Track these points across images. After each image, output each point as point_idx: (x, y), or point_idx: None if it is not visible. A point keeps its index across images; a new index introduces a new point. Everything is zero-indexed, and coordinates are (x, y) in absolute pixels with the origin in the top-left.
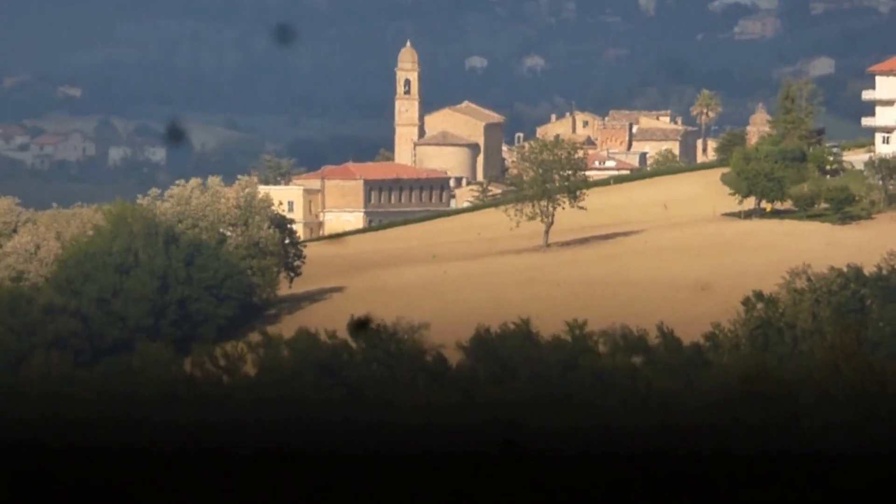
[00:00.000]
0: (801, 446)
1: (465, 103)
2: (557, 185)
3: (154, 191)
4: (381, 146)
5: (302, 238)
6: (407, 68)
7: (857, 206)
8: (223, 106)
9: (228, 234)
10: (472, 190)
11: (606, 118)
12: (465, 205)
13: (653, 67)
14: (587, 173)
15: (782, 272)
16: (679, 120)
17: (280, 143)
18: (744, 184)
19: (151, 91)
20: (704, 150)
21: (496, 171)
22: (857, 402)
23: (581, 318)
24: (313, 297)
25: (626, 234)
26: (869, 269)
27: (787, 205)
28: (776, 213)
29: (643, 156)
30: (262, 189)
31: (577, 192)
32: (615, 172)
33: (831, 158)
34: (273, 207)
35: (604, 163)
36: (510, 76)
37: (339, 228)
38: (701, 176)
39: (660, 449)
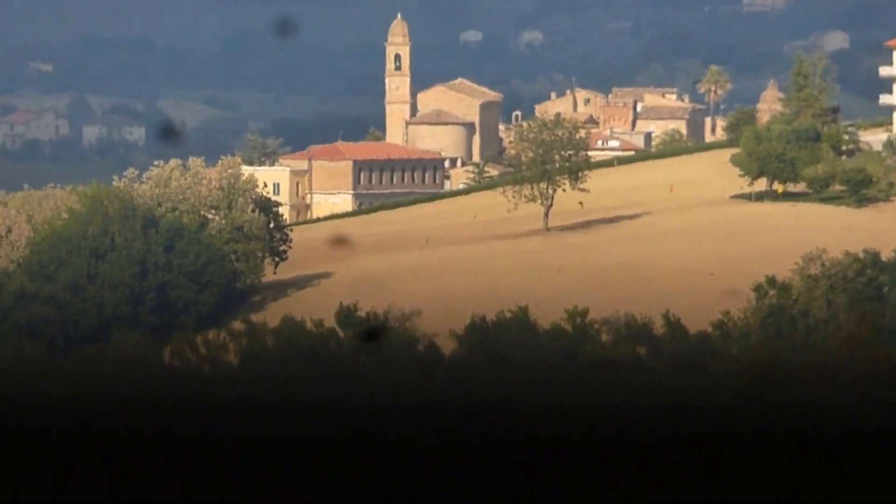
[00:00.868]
0: (812, 437)
1: (460, 80)
2: (558, 166)
3: (131, 172)
4: (371, 125)
5: (288, 221)
6: (398, 42)
7: (875, 189)
8: (204, 82)
9: (210, 217)
10: (467, 171)
11: (609, 96)
12: (460, 187)
13: (657, 41)
14: (589, 154)
15: (795, 257)
16: (686, 97)
17: (264, 122)
18: (754, 165)
19: (128, 67)
20: (713, 129)
21: (493, 151)
22: (872, 393)
23: (582, 305)
24: (300, 283)
25: (630, 217)
26: (887, 255)
27: (801, 187)
28: (789, 196)
29: (648, 135)
30: (246, 170)
31: (579, 174)
32: (619, 153)
33: (847, 138)
34: (257, 189)
35: (606, 143)
36: (507, 51)
37: (327, 211)
38: (709, 156)
39: (664, 435)
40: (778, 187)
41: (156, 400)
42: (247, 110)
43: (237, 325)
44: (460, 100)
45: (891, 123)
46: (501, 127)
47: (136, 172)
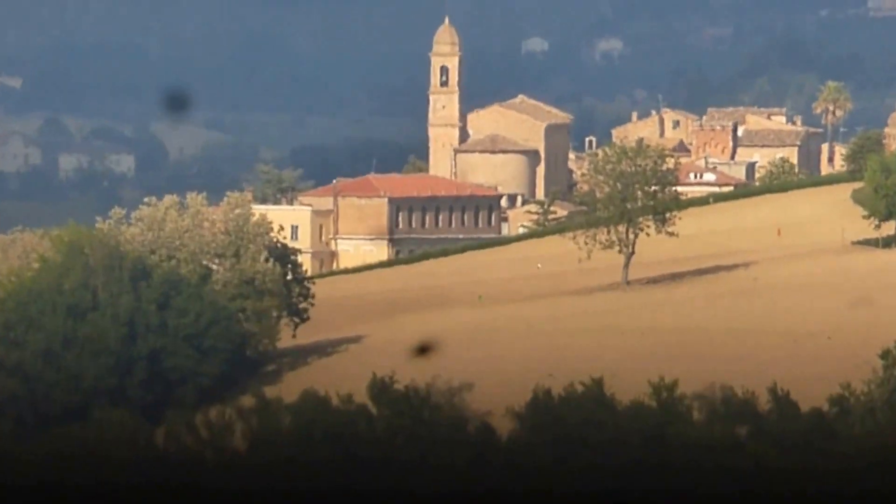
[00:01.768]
0: None
1: (521, 98)
2: (640, 204)
3: (118, 211)
4: (412, 153)
5: (309, 273)
6: (444, 52)
7: None
8: (206, 101)
9: (214, 267)
10: (529, 211)
11: (704, 117)
12: (521, 231)
13: (763, 51)
14: (679, 189)
15: None
16: (798, 119)
17: (280, 149)
18: (882, 203)
19: (114, 81)
20: (831, 158)
21: (561, 186)
22: None
23: (670, 376)
24: (323, 349)
25: (728, 268)
26: None
27: None
28: None
29: (751, 166)
30: (258, 209)
31: (667, 214)
32: (715, 188)
33: None
34: (272, 233)
35: (701, 175)
36: (579, 63)
37: (358, 261)
38: (826, 192)
39: None
40: None
41: (146, 492)
42: (258, 135)
43: (246, 400)
44: (521, 122)
45: None
46: (571, 156)
47: (124, 212)
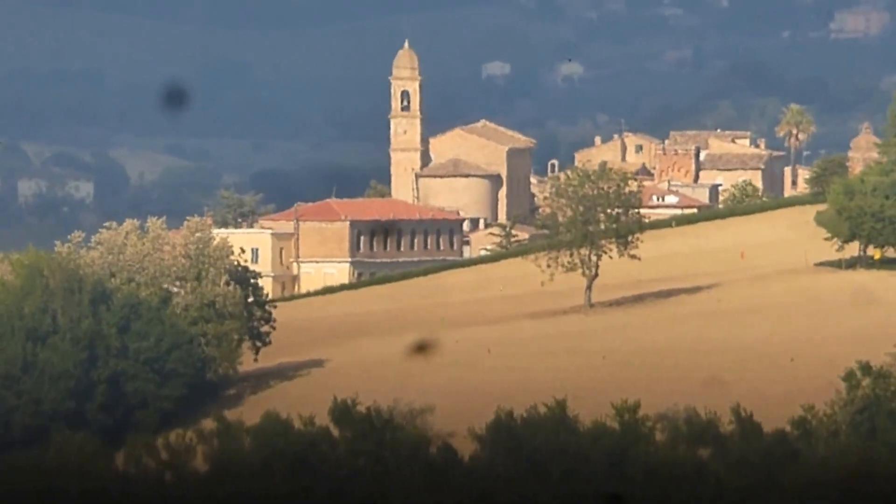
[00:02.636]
0: None
1: (483, 122)
2: (603, 227)
3: (77, 235)
4: (373, 177)
5: (270, 296)
6: (405, 76)
7: None
8: (166, 126)
9: (175, 291)
10: (491, 234)
11: (666, 141)
12: (483, 253)
13: (726, 75)
14: (642, 212)
15: (895, 338)
16: (761, 143)
17: (241, 174)
18: (845, 225)
19: (72, 107)
20: (794, 181)
21: (523, 209)
22: None
23: (632, 398)
24: (285, 373)
25: (691, 290)
26: None
27: None
28: (887, 263)
29: (714, 189)
30: (219, 233)
31: (629, 237)
32: (678, 211)
33: None
34: (232, 257)
35: (663, 198)
36: (540, 87)
37: (319, 284)
38: (790, 215)
39: None
40: (874, 252)
41: None
42: (219, 160)
43: (207, 423)
44: (483, 146)
45: None
46: (534, 179)
47: (83, 236)
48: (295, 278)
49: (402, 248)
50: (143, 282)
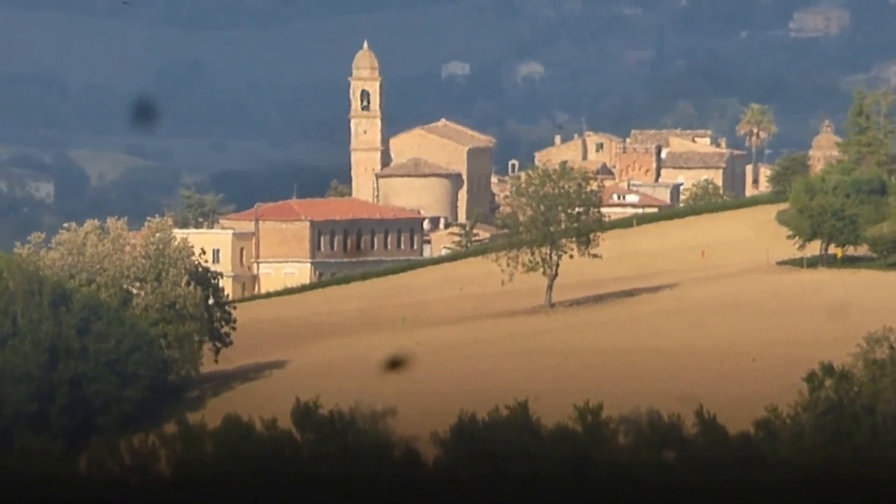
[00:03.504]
0: None
1: (443, 122)
2: (564, 226)
3: (37, 236)
4: (334, 178)
5: (231, 297)
6: (365, 77)
7: None
8: (126, 126)
9: (135, 291)
10: (451, 234)
11: (627, 140)
12: (444, 253)
13: (686, 74)
14: (602, 211)
15: (857, 339)
16: (722, 142)
17: (201, 174)
18: (806, 224)
19: (32, 109)
20: (755, 180)
21: (483, 209)
22: None
23: (595, 400)
24: (246, 374)
25: (652, 290)
26: None
27: (863, 250)
28: (849, 262)
29: (675, 188)
30: (179, 233)
31: (590, 236)
32: (639, 210)
33: None
34: (193, 257)
35: (624, 197)
36: (501, 86)
37: (279, 284)
38: (751, 214)
39: None
40: (835, 251)
41: None
42: (179, 160)
43: (169, 427)
44: (443, 146)
45: None
46: (494, 179)
47: (43, 237)
48: (255, 279)
49: (362, 248)
50: (103, 283)
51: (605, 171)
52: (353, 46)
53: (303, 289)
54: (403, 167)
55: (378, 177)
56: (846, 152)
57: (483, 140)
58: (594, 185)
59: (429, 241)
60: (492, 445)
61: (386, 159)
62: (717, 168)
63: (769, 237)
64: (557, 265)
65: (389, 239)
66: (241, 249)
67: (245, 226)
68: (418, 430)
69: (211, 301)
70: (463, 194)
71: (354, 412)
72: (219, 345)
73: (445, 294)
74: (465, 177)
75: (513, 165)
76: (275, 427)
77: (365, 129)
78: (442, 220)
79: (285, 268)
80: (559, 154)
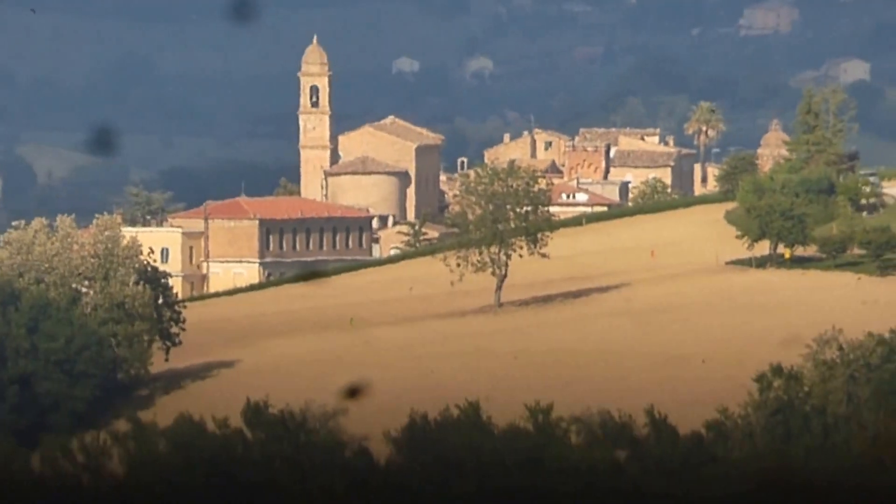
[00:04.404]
0: None
1: (392, 119)
2: (513, 225)
3: None
4: (282, 175)
5: (180, 296)
6: (314, 72)
7: None
8: (74, 122)
9: (84, 290)
10: (400, 233)
11: (576, 138)
12: (392, 252)
13: (635, 72)
14: (551, 210)
15: (806, 339)
16: (670, 140)
17: (150, 171)
18: (755, 223)
19: None
20: (704, 179)
21: (432, 207)
22: None
23: (545, 400)
24: (197, 373)
25: (601, 289)
26: None
27: (812, 250)
28: (797, 262)
29: (624, 186)
30: (128, 232)
31: (539, 235)
32: (588, 209)
33: (867, 190)
34: (142, 256)
35: (573, 196)
36: (449, 83)
37: (228, 283)
38: (699, 213)
39: None
40: (784, 251)
41: None
42: (128, 157)
43: (121, 425)
44: (392, 143)
45: None
46: (443, 177)
47: None
48: (204, 278)
49: (310, 247)
50: (51, 282)
51: (554, 169)
52: (303, 41)
53: (251, 288)
54: (352, 165)
55: (327, 175)
56: (795, 151)
57: (432, 137)
58: (542, 184)
59: (377, 240)
60: (443, 445)
61: (335, 157)
62: (666, 167)
63: (718, 237)
64: (506, 265)
65: (337, 238)
66: (190, 248)
67: (194, 224)
68: (370, 429)
69: (160, 300)
70: (412, 192)
71: (305, 412)
72: (168, 344)
73: (394, 294)
74: (413, 175)
75: (462, 163)
76: (226, 426)
77: (314, 126)
78: (390, 219)
79: (234, 267)
80: (508, 152)
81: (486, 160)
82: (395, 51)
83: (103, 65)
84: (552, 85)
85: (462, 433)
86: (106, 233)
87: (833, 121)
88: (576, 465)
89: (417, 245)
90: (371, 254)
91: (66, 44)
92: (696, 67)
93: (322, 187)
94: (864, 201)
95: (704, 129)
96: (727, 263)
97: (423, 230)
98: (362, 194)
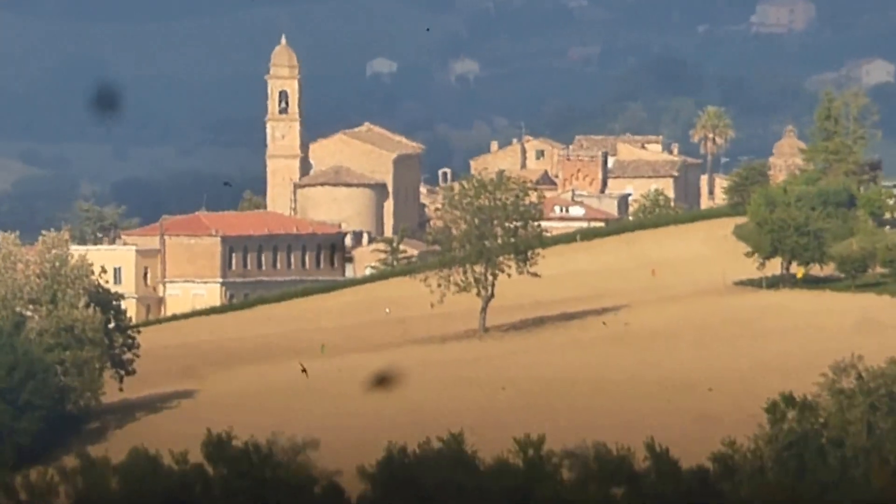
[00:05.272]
0: None
1: (367, 126)
2: (500, 241)
3: None
4: (247, 188)
5: (134, 320)
6: (283, 75)
7: None
8: (19, 131)
9: (28, 314)
10: (377, 250)
11: (571, 146)
12: (368, 272)
13: (636, 73)
14: (543, 225)
15: (822, 367)
16: (675, 148)
17: (101, 184)
18: (767, 239)
19: None
20: (711, 191)
21: (411, 222)
22: None
23: (536, 432)
24: (152, 404)
25: (598, 312)
26: None
27: (829, 269)
28: (812, 282)
29: (623, 199)
30: (77, 250)
31: (529, 253)
32: (584, 224)
33: (891, 203)
34: (92, 276)
35: (567, 210)
36: (431, 87)
37: (187, 306)
38: (706, 228)
39: None
40: (798, 270)
41: None
42: (77, 168)
43: (69, 460)
44: (367, 152)
45: None
46: (423, 189)
47: None
48: (161, 300)
49: (278, 267)
50: None
51: (547, 180)
52: (271, 42)
53: (213, 311)
54: (323, 176)
55: (296, 187)
56: (811, 160)
57: (411, 146)
58: (534, 197)
59: (351, 259)
60: (423, 481)
61: (305, 167)
62: (669, 177)
63: (726, 254)
64: (493, 285)
65: (308, 257)
66: (146, 268)
67: (149, 241)
68: (342, 463)
69: (112, 325)
70: (389, 206)
71: (272, 444)
72: (121, 372)
73: (369, 318)
74: (390, 187)
75: (444, 174)
76: (185, 461)
77: (283, 134)
78: (366, 235)
79: (194, 288)
80: (496, 162)
81: (471, 171)
82: (370, 51)
83: (52, 67)
84: (544, 88)
85: (444, 468)
86: (53, 251)
87: (853, 127)
88: (568, 502)
89: (395, 264)
90: (344, 274)
91: (12, 43)
92: (704, 68)
93: (291, 201)
94: (887, 215)
95: (712, 136)
96: (735, 284)
97: (402, 247)
98: (335, 208)
